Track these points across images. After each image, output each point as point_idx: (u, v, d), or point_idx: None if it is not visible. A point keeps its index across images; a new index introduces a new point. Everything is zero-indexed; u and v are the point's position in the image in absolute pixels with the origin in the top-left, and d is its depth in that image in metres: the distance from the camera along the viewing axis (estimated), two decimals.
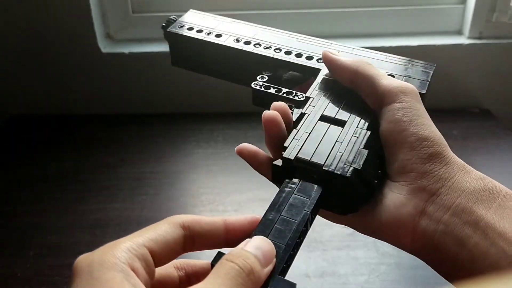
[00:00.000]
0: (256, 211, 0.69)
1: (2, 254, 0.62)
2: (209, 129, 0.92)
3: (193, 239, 0.28)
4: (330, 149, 0.32)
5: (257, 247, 0.25)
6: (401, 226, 0.31)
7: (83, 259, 0.24)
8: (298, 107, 0.36)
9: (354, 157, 0.31)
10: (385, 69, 0.40)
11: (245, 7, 0.95)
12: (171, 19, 0.46)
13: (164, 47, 0.95)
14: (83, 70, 0.96)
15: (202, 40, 0.44)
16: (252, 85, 0.39)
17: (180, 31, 0.45)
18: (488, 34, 0.94)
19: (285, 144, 0.33)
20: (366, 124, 0.34)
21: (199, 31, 0.45)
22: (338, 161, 0.31)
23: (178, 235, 0.27)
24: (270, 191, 0.70)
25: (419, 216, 0.30)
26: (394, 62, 0.41)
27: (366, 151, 0.32)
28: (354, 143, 0.32)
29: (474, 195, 0.30)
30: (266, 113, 0.33)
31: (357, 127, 0.34)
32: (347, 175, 0.30)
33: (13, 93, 0.98)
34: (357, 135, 0.33)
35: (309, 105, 0.36)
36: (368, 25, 0.97)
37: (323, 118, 0.35)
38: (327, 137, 0.33)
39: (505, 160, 0.81)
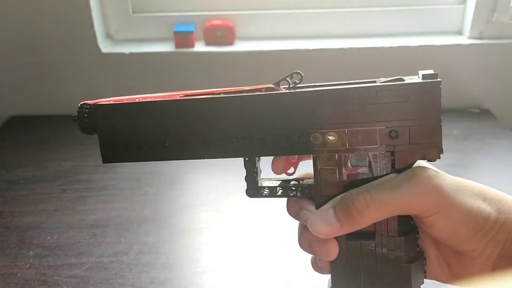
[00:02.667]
0: (257, 211, 0.69)
1: (2, 254, 0.62)
2: None
3: None
4: (375, 280, 0.33)
5: None
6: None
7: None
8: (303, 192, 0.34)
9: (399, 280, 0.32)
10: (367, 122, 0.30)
11: (244, 7, 0.95)
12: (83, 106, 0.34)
13: (164, 47, 0.95)
14: (83, 70, 0.96)
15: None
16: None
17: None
18: (489, 34, 0.94)
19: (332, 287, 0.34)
20: (396, 227, 0.32)
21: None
22: None
23: None
24: None
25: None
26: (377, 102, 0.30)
27: (409, 269, 0.32)
28: (394, 262, 0.32)
29: None
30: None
31: (388, 236, 0.32)
32: None
33: (13, 93, 0.98)
34: (392, 248, 0.32)
35: None
36: (368, 25, 0.97)
37: (352, 237, 0.32)
38: (365, 265, 0.33)
39: (505, 160, 0.81)
